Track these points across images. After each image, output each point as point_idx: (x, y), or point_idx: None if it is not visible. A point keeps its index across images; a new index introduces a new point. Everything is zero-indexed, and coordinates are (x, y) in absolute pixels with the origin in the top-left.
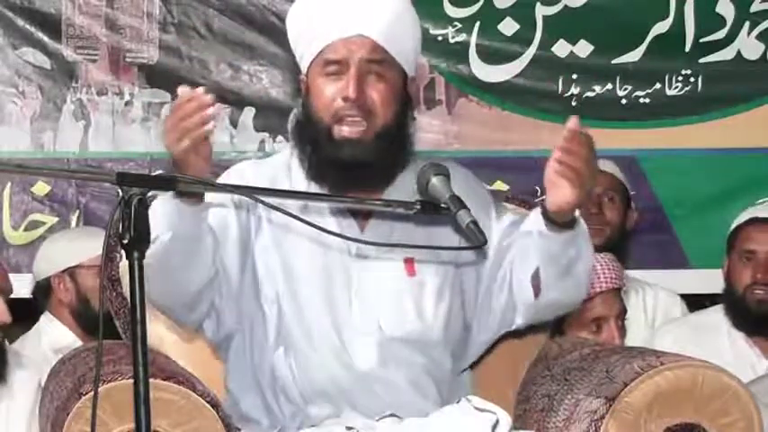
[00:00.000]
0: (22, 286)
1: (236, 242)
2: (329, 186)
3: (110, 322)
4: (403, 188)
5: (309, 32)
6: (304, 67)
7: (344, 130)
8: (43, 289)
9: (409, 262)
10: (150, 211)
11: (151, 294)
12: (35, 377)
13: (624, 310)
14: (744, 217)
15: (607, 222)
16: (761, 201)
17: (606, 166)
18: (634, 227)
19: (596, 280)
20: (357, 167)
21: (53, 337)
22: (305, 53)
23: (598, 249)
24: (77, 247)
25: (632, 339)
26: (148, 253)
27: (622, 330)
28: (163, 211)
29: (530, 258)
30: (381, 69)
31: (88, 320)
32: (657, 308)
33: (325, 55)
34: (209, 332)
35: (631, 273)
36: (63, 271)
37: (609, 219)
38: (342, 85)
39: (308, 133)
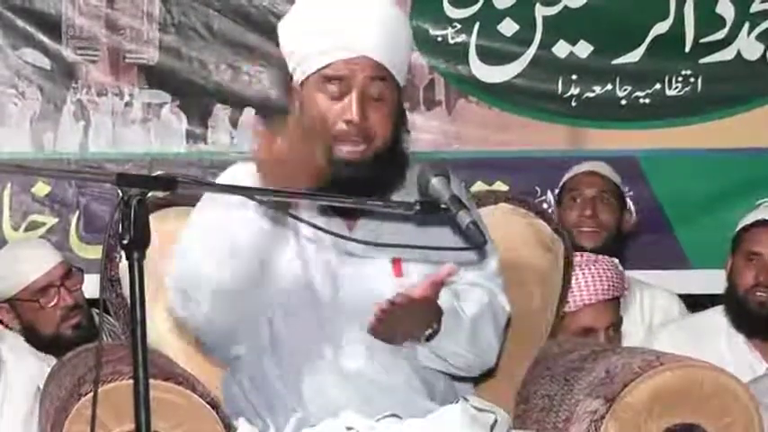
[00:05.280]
0: None
1: None
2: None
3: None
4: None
5: (308, 47)
6: (298, 78)
7: (344, 151)
8: None
9: (396, 262)
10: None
11: (215, 322)
12: None
13: (619, 320)
14: (750, 218)
15: (601, 224)
16: (761, 201)
17: (599, 167)
18: (633, 229)
19: (585, 291)
20: (353, 184)
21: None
22: (300, 66)
23: (594, 252)
24: (8, 282)
25: (631, 340)
26: (223, 275)
27: (616, 341)
28: (241, 231)
29: None
30: (381, 88)
31: (40, 345)
32: (655, 308)
33: (326, 72)
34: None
35: (630, 273)
36: (3, 302)
37: (603, 221)
38: (343, 106)
39: None
